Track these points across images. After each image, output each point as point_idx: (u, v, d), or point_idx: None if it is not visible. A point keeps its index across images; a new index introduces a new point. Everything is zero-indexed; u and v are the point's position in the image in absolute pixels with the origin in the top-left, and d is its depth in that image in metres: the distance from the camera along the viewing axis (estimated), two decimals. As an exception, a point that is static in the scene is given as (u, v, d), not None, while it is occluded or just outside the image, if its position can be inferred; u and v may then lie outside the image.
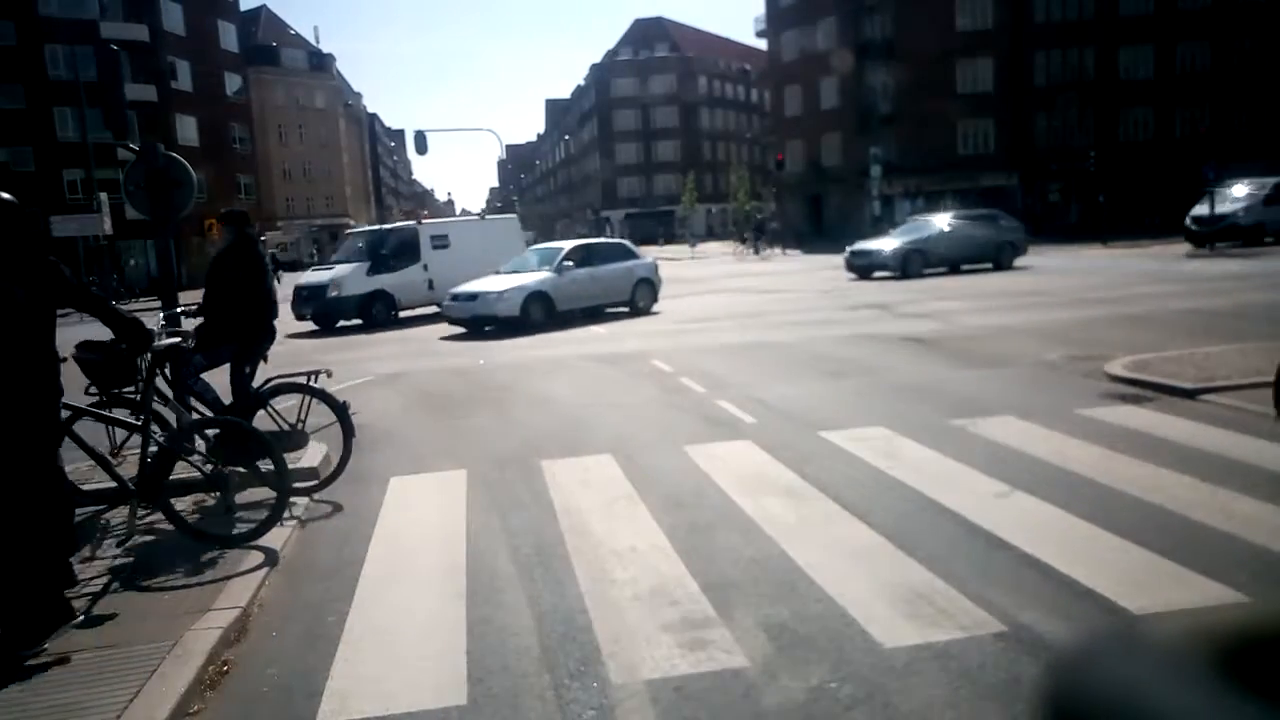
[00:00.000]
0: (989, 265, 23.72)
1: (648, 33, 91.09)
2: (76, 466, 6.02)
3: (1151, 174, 45.13)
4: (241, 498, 5.65)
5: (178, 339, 5.97)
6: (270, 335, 6.90)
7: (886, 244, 23.79)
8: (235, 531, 5.14)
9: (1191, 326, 11.53)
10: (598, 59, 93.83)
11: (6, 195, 4.48)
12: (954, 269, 23.55)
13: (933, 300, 16.92)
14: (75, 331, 6.12)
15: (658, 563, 4.48)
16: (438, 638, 3.80)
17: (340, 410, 6.32)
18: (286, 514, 5.27)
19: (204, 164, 38.49)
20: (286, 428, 6.15)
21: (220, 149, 55.29)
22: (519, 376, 11.02)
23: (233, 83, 60.04)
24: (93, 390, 5.46)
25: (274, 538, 5.05)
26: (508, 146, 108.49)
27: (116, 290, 34.21)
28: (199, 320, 6.59)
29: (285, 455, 5.85)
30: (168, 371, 5.81)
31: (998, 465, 5.75)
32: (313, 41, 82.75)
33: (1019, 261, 24.15)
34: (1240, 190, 28.15)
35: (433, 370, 12.10)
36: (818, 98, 53.16)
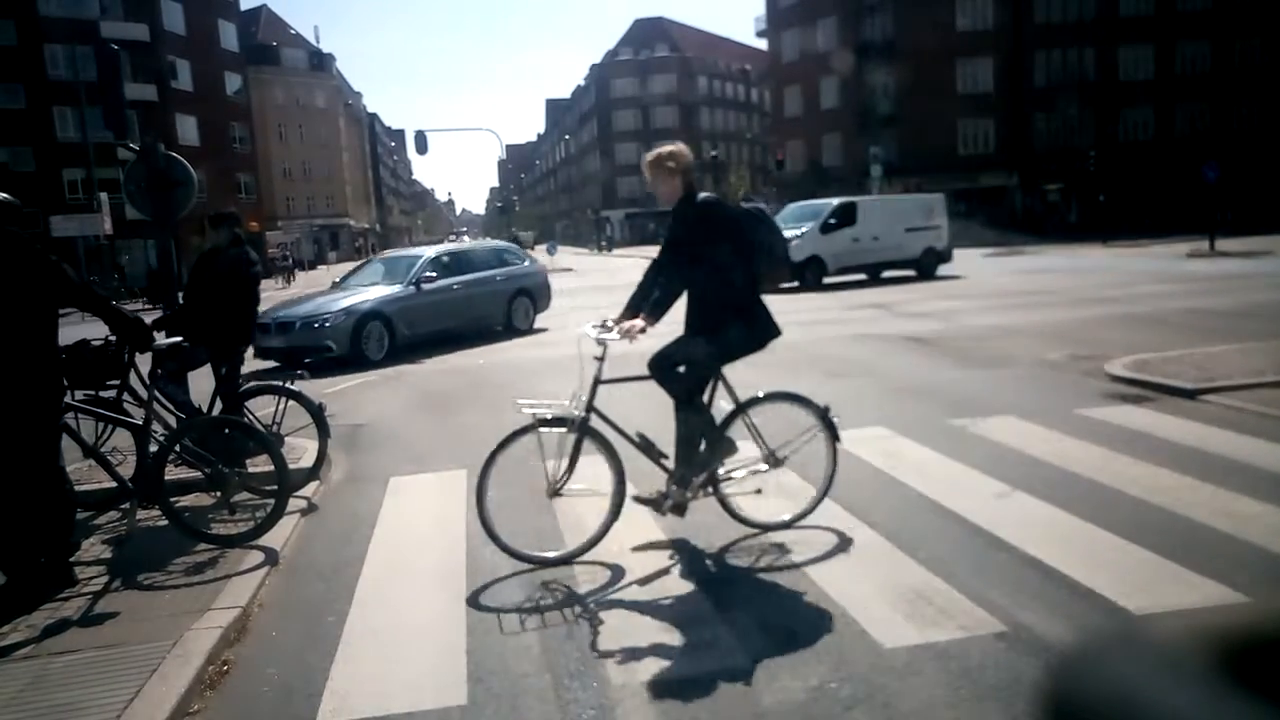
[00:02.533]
0: (498, 327, 15.41)
1: (648, 33, 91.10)
2: (77, 466, 6.02)
3: (1152, 174, 45.16)
4: (242, 497, 5.65)
5: (179, 338, 5.97)
6: (248, 341, 6.89)
7: (331, 306, 13.08)
8: (235, 531, 5.14)
9: (1192, 326, 11.53)
10: (598, 59, 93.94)
11: (7, 195, 4.49)
12: (444, 341, 14.13)
13: (934, 300, 16.93)
14: (77, 331, 6.11)
15: (658, 562, 4.48)
16: (438, 637, 3.80)
17: (316, 412, 6.33)
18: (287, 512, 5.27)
19: (204, 163, 38.52)
20: (263, 429, 6.15)
21: (220, 148, 55.29)
22: (519, 376, 11.01)
23: (233, 82, 60.05)
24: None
25: (274, 537, 5.05)
26: (508, 146, 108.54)
27: (117, 290, 34.23)
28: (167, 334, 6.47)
29: (251, 458, 5.86)
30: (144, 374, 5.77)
31: (998, 465, 5.75)
32: (313, 41, 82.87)
33: (541, 319, 16.12)
34: (805, 211, 23.17)
35: (432, 370, 12.09)
36: (818, 98, 53.18)
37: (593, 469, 4.63)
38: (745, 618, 3.79)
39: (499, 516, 4.52)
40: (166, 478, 5.36)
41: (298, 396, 6.33)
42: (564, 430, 4.57)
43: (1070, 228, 44.19)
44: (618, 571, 4.42)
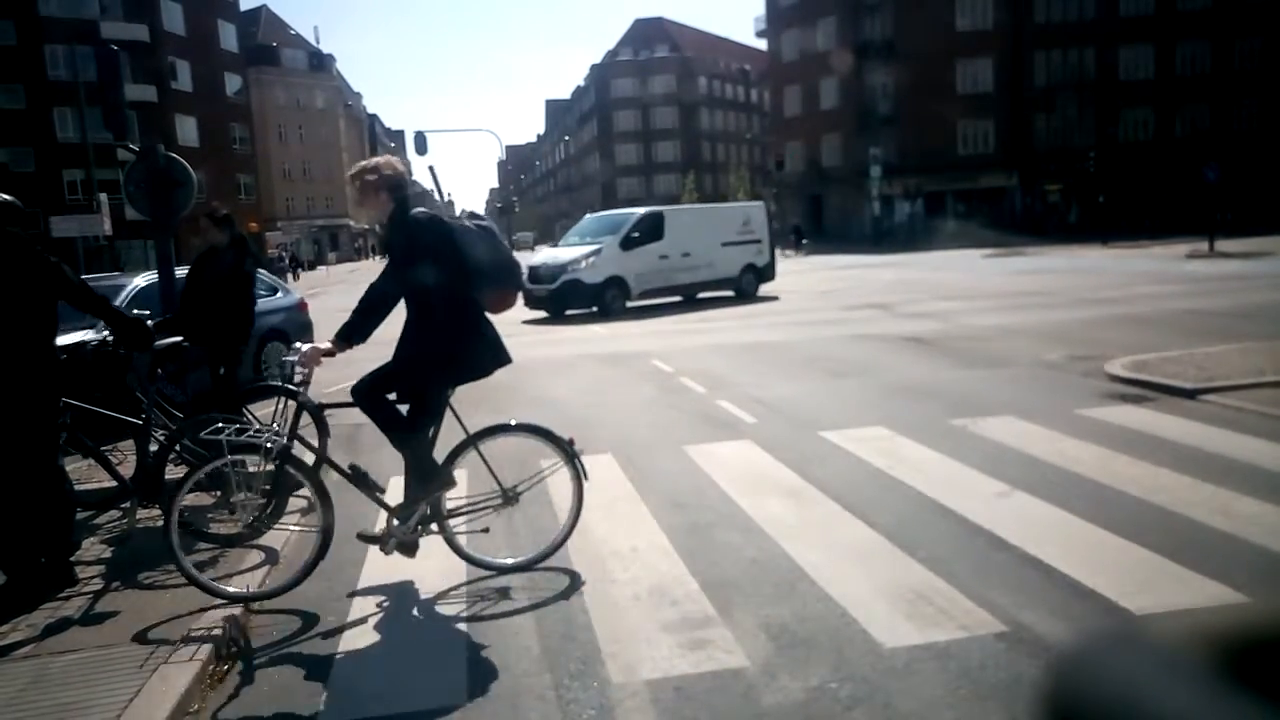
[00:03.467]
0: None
1: (648, 33, 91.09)
2: (76, 466, 6.02)
3: (1151, 174, 45.17)
4: (241, 497, 5.65)
5: (178, 338, 5.97)
6: (246, 340, 6.89)
7: None
8: (235, 531, 5.13)
9: (1191, 326, 11.53)
10: (598, 59, 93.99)
11: (7, 196, 4.49)
12: None
13: (932, 300, 16.94)
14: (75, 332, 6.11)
15: (658, 562, 4.48)
16: (438, 637, 3.80)
17: (316, 411, 6.33)
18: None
19: (204, 164, 38.57)
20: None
21: (220, 149, 55.31)
22: (518, 376, 10.98)
23: (233, 83, 60.06)
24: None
25: (274, 537, 5.05)
26: (508, 147, 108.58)
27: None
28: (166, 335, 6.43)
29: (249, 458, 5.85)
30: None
31: (998, 465, 5.75)
32: (313, 41, 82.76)
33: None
34: (603, 224, 19.91)
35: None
36: (818, 98, 53.19)
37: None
38: (745, 617, 3.79)
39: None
40: (166, 477, 5.36)
41: (297, 396, 6.32)
42: (260, 459, 4.18)
43: (1070, 228, 44.18)
44: (603, 573, 4.42)
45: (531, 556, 4.51)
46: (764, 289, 20.99)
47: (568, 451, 4.52)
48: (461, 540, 4.51)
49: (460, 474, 4.71)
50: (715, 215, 21.41)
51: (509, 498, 4.53)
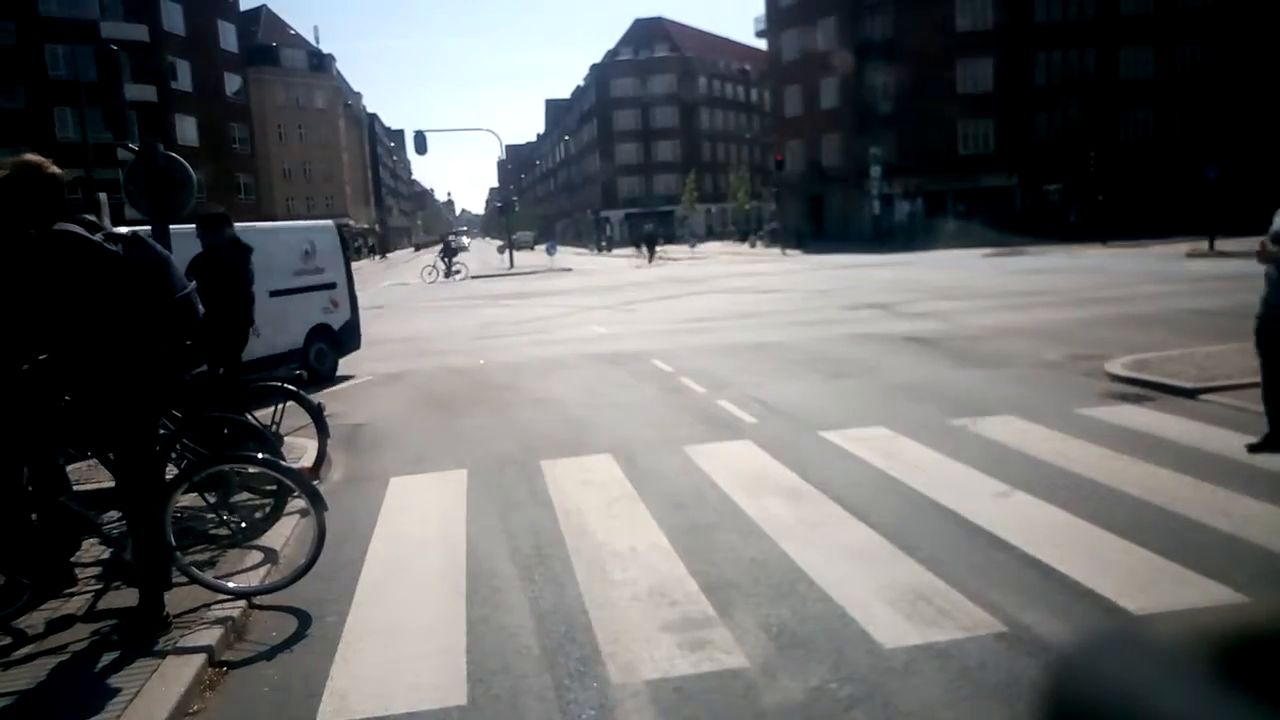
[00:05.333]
0: None
1: (648, 33, 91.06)
2: (77, 466, 6.02)
3: (1152, 174, 45.14)
4: (241, 497, 5.65)
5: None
6: (245, 339, 6.89)
7: None
8: (234, 531, 5.13)
9: (1192, 326, 11.53)
10: (598, 59, 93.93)
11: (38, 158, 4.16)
12: None
13: (933, 300, 16.94)
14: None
15: (658, 563, 4.48)
16: (438, 638, 3.80)
17: (315, 411, 6.33)
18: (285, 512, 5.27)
19: (204, 164, 38.58)
20: (263, 429, 6.15)
21: (220, 149, 55.30)
22: (519, 376, 11.01)
23: (233, 83, 60.06)
24: None
25: (274, 537, 5.05)
26: (508, 146, 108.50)
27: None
28: None
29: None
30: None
31: (998, 465, 5.75)
32: (313, 42, 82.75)
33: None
34: None
35: (433, 370, 12.09)
36: (818, 98, 53.17)
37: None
38: (745, 618, 3.79)
39: None
40: (166, 477, 5.36)
41: (297, 396, 6.34)
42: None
43: (1070, 228, 44.12)
44: (603, 573, 4.42)
45: (273, 583, 4.39)
46: (343, 364, 12.13)
47: (304, 485, 4.42)
48: (193, 567, 4.40)
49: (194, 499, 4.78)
50: (256, 241, 10.59)
51: (239, 529, 4.44)
